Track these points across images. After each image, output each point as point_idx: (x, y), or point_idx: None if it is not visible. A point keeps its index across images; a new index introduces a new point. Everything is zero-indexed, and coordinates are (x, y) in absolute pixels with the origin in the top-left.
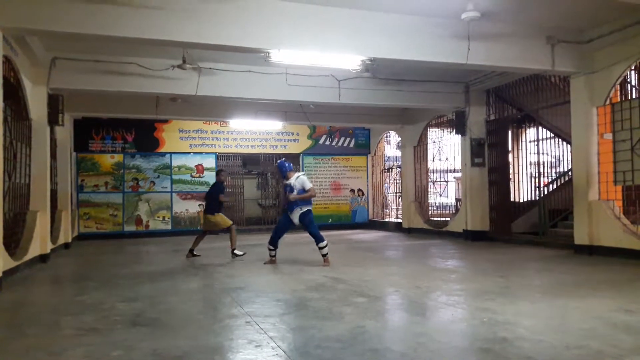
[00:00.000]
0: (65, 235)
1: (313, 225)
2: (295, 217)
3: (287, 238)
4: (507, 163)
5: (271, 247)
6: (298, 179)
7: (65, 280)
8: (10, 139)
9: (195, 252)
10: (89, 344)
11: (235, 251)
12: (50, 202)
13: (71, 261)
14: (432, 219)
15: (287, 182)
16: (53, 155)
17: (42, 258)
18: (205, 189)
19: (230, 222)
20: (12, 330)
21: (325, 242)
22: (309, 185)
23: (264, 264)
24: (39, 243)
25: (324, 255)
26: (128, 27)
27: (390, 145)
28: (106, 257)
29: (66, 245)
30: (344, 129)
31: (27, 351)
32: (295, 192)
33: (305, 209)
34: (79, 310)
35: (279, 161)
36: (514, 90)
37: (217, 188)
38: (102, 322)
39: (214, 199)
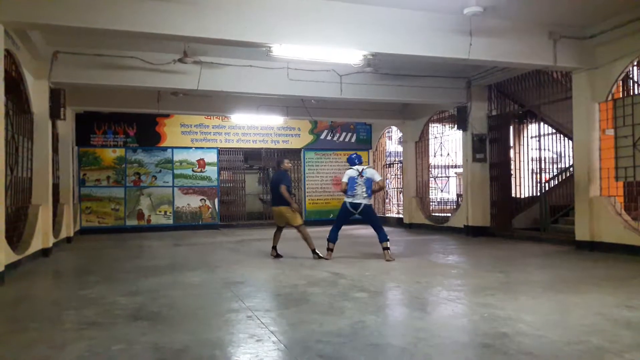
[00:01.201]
0: (67, 229)
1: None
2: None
3: (287, 233)
4: (509, 159)
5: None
6: (347, 172)
7: (67, 274)
8: (12, 133)
9: (278, 252)
10: (91, 337)
11: (317, 251)
12: (52, 196)
13: (73, 255)
14: (433, 214)
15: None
16: (55, 149)
17: (44, 252)
18: (207, 183)
19: (300, 222)
20: (14, 324)
21: (332, 239)
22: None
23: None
24: (41, 237)
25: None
26: (130, 21)
27: (392, 141)
28: (108, 251)
29: (68, 240)
30: (345, 124)
31: (29, 345)
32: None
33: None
34: (81, 304)
35: (353, 155)
36: (516, 86)
37: (278, 177)
38: (104, 316)
39: (276, 189)
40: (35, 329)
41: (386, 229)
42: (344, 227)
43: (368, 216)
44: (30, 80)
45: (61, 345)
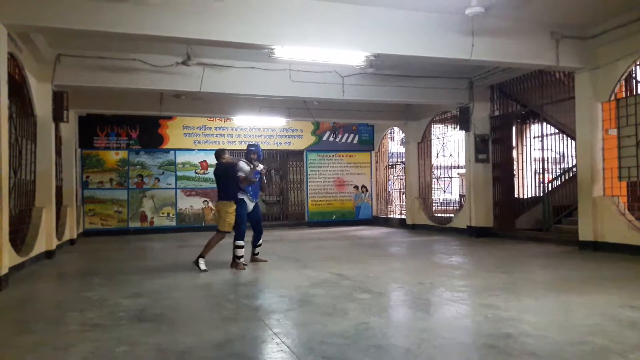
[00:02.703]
0: (71, 231)
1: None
2: (253, 203)
3: (290, 235)
4: (511, 159)
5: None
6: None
7: (71, 276)
8: (15, 136)
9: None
10: (94, 339)
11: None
12: (56, 198)
13: (76, 257)
14: (436, 215)
15: (258, 168)
16: (58, 152)
17: (48, 254)
18: (210, 185)
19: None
20: (18, 326)
21: (243, 244)
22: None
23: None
24: (45, 239)
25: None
26: (132, 24)
27: (394, 142)
28: (111, 253)
29: (71, 242)
30: (347, 125)
31: (33, 347)
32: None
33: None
34: (84, 306)
35: (256, 143)
36: (518, 86)
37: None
38: (107, 317)
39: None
40: (39, 331)
41: (389, 229)
42: (346, 228)
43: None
44: (33, 83)
45: (65, 347)
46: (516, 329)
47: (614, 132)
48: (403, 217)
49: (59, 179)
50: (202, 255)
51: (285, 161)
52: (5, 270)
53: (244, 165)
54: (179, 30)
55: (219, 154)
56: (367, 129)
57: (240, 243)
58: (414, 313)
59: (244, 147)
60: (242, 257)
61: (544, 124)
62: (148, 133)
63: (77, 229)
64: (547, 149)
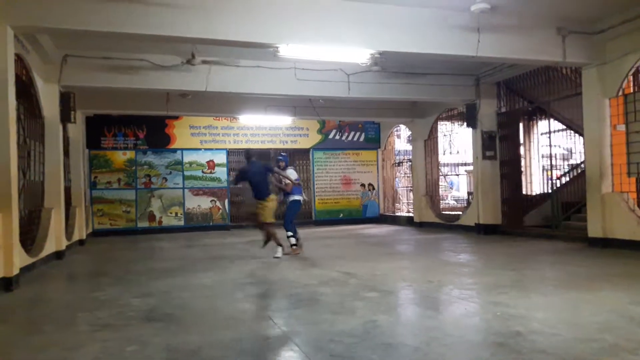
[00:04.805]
0: (80, 231)
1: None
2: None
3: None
4: (519, 156)
5: (291, 234)
6: (291, 171)
7: (80, 276)
8: (24, 137)
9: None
10: (104, 339)
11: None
12: (64, 199)
13: (86, 257)
14: (444, 212)
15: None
16: (66, 153)
17: (58, 255)
18: (217, 184)
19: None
20: (28, 326)
21: (291, 234)
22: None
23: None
24: (54, 240)
25: (292, 245)
26: (138, 24)
27: (401, 139)
28: (120, 253)
29: (81, 242)
30: (353, 123)
31: (44, 347)
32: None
33: (296, 197)
34: (94, 306)
35: (284, 154)
36: (525, 83)
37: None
38: (117, 317)
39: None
40: (50, 331)
41: (396, 227)
42: (353, 227)
43: None
44: (40, 84)
45: (75, 347)
46: (525, 327)
47: (622, 127)
48: (410, 215)
49: (67, 180)
50: (278, 244)
51: (291, 160)
52: (16, 271)
53: (292, 172)
54: (184, 30)
55: (252, 154)
56: (373, 126)
57: (290, 233)
58: (422, 311)
59: (250, 146)
60: (294, 244)
61: (552, 120)
62: (155, 133)
63: (86, 229)
64: (555, 146)
